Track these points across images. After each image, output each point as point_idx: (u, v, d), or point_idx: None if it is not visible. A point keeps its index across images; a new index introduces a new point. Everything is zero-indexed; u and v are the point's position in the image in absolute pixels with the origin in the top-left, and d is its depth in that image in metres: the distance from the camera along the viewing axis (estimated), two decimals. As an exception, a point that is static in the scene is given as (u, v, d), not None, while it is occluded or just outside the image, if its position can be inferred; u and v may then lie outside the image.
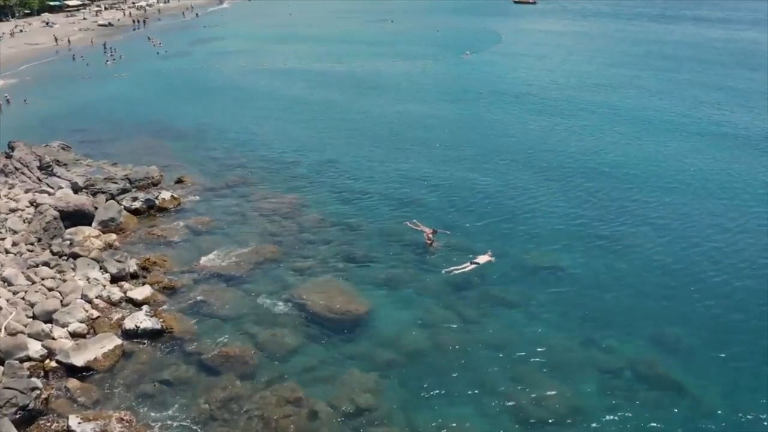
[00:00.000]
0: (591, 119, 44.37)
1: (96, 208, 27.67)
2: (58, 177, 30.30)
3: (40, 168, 30.42)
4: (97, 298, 21.71)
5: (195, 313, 21.36)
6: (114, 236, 26.09)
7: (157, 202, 29.21)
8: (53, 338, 19.69)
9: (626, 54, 70.42)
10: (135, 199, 29.13)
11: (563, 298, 22.24)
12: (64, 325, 20.23)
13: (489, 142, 39.73)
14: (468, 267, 23.16)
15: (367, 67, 66.02)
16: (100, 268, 23.30)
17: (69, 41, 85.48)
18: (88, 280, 22.45)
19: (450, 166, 35.15)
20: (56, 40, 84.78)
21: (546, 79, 57.46)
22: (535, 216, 28.34)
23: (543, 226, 27.33)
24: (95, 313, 21.00)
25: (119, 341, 19.58)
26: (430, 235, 25.16)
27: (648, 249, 25.30)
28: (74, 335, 20.03)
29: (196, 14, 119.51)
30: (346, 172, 34.33)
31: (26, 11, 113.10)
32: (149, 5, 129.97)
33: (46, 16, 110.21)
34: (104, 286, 22.39)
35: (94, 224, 26.63)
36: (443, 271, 23.26)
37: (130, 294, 21.96)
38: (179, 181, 32.83)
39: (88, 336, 20.08)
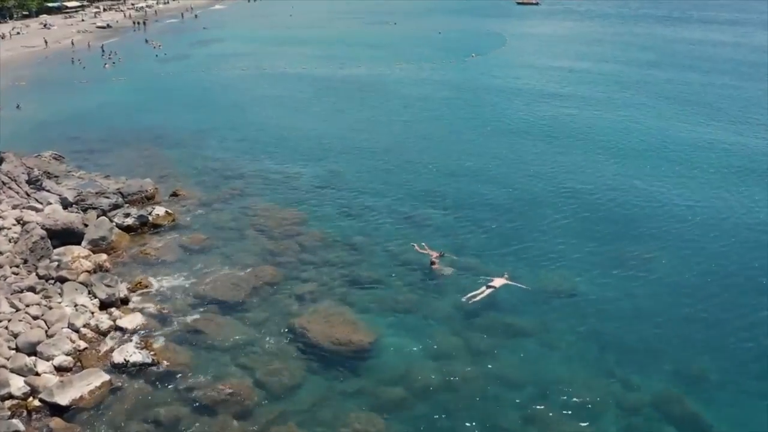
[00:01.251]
0: (607, 129, 42.37)
1: (86, 226, 26.33)
2: (48, 191, 28.95)
3: (29, 182, 29.07)
4: (84, 326, 20.37)
5: (188, 344, 20.00)
6: (104, 256, 24.71)
7: (150, 218, 27.83)
8: (37, 373, 18.34)
9: (637, 60, 68.56)
10: (127, 215, 27.74)
11: (581, 327, 20.86)
12: (48, 359, 18.90)
13: (500, 153, 37.91)
14: (485, 292, 21.81)
15: (370, 70, 64.68)
16: (89, 293, 21.98)
17: (73, 43, 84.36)
18: (75, 306, 21.11)
19: (458, 178, 33.60)
20: (46, 43, 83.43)
21: (557, 85, 55.67)
22: (550, 236, 26.78)
23: (558, 247, 25.79)
24: (82, 344, 19.66)
25: (107, 377, 18.23)
26: (435, 259, 23.74)
27: (670, 273, 23.79)
28: (59, 369, 18.72)
29: (195, 15, 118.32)
30: (349, 184, 32.87)
31: (24, 13, 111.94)
32: (149, 6, 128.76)
33: (44, 17, 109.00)
34: (92, 313, 21.05)
35: (83, 243, 25.27)
36: (463, 299, 21.85)
37: (120, 322, 20.61)
38: (174, 195, 31.49)
39: (74, 369, 18.81)
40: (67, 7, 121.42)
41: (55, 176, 32.03)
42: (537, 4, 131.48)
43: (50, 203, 27.85)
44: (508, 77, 59.94)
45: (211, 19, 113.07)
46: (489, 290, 21.84)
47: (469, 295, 21.90)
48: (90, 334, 20.22)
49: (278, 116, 48.10)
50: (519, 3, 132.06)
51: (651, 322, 21.14)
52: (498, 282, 22.04)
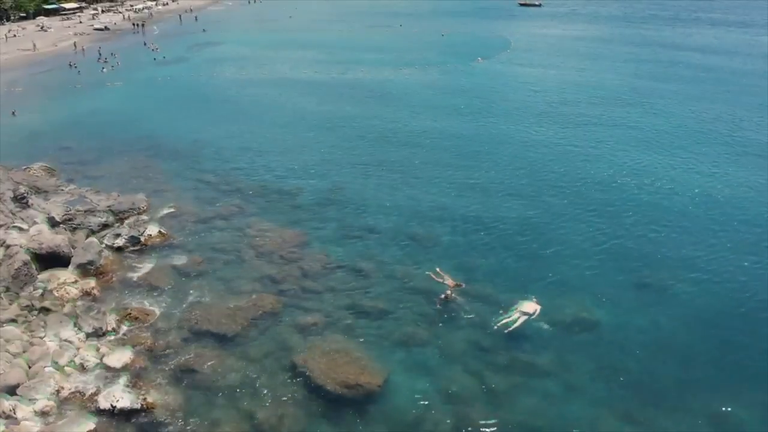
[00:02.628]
0: (625, 139, 40.35)
1: (74, 248, 24.74)
2: (35, 209, 27.34)
3: (15, 199, 27.47)
4: (68, 365, 18.87)
5: (181, 384, 18.47)
6: (92, 282, 23.15)
7: (142, 238, 26.27)
8: (17, 419, 16.85)
9: (646, 65, 66.52)
10: (118, 235, 26.17)
11: (603, 364, 19.41)
12: (30, 402, 17.40)
13: (513, 165, 35.95)
14: (520, 319, 20.45)
15: (374, 75, 62.87)
16: (74, 326, 20.45)
17: (75, 45, 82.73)
18: (59, 342, 19.58)
19: (469, 195, 31.75)
20: (34, 46, 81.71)
21: (568, 95, 52.78)
22: (567, 260, 25.08)
23: (576, 272, 24.14)
24: (66, 386, 18.14)
25: (92, 424, 16.73)
26: (450, 290, 22.04)
27: (697, 303, 22.21)
28: (41, 414, 17.21)
29: (195, 18, 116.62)
30: (354, 201, 31.08)
31: (22, 15, 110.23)
32: (147, 8, 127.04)
33: (41, 19, 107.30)
34: (78, 349, 19.53)
35: (70, 267, 23.72)
36: (495, 326, 20.46)
37: (107, 360, 19.08)
38: (169, 211, 29.89)
39: (57, 414, 17.27)
40: (64, 9, 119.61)
41: (44, 191, 30.40)
42: (539, 5, 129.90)
43: (36, 223, 26.24)
44: (518, 84, 57.86)
45: (210, 21, 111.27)
46: (524, 317, 20.54)
47: (502, 322, 20.55)
48: (74, 373, 18.71)
49: (279, 125, 46.41)
50: (521, 4, 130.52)
51: (677, 357, 19.74)
52: (530, 307, 20.82)
